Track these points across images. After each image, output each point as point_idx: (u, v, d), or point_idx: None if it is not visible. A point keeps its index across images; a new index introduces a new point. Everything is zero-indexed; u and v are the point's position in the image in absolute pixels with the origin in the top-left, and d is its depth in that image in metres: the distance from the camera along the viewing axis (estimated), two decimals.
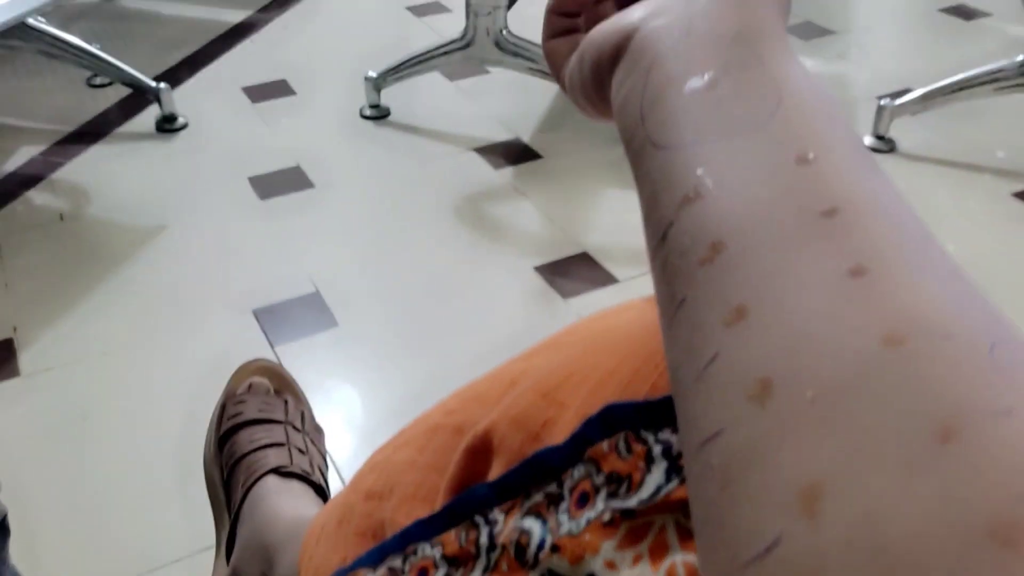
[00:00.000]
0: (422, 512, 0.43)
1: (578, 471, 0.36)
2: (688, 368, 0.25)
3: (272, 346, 1.26)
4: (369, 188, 1.59)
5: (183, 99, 1.81)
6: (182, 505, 1.00)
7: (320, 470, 0.78)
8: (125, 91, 1.82)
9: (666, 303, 0.27)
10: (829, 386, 0.21)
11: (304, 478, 0.75)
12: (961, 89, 1.64)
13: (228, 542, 0.74)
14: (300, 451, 0.77)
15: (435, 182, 1.60)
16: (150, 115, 1.76)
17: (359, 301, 1.33)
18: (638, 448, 0.33)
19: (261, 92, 1.87)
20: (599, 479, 0.34)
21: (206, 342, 1.25)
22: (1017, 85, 1.62)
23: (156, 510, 1.01)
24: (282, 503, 0.70)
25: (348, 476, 1.05)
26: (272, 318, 1.30)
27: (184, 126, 1.74)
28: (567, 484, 0.36)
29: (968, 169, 1.62)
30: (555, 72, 0.41)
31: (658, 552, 0.32)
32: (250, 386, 0.84)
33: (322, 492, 0.76)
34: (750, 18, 0.31)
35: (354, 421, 1.15)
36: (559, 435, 0.37)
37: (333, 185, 1.59)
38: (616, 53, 0.34)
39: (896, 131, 1.69)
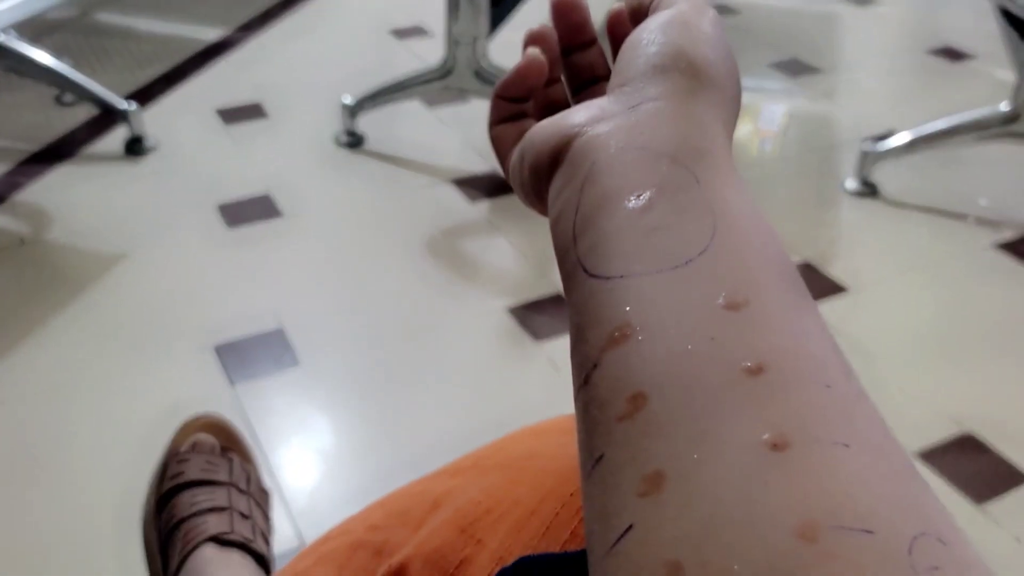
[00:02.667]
0: None
1: None
2: (600, 538, 0.24)
3: (232, 384, 1.21)
4: (340, 219, 1.55)
5: (154, 119, 1.77)
6: (120, 557, 0.95)
7: (263, 535, 0.74)
8: (94, 110, 1.78)
9: (584, 456, 0.26)
10: None
11: (244, 546, 0.71)
12: (944, 136, 1.62)
13: None
14: (242, 516, 0.73)
15: (409, 214, 1.56)
16: (119, 136, 1.72)
17: (323, 339, 1.29)
18: None
19: (234, 115, 1.83)
20: None
21: (163, 380, 1.21)
22: (1000, 134, 1.60)
23: (92, 564, 0.96)
24: None
25: (303, 527, 1.01)
26: (233, 355, 1.26)
27: (153, 148, 1.70)
28: None
29: (950, 217, 1.60)
30: (500, 161, 0.38)
31: None
32: (194, 444, 0.80)
33: (263, 561, 0.72)
34: (692, 133, 0.30)
35: (312, 467, 1.10)
36: None
37: (303, 215, 1.55)
38: (554, 159, 0.32)
39: (879, 175, 1.67)
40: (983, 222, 1.59)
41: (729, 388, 0.23)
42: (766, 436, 0.22)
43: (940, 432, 1.17)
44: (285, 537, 0.99)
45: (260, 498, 0.79)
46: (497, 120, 0.39)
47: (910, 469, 0.23)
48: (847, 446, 0.22)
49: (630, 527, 0.22)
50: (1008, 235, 1.55)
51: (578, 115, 0.32)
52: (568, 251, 0.29)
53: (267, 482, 1.04)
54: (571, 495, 0.35)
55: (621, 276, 0.27)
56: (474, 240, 1.52)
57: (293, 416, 1.17)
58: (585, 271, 0.28)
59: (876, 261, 1.50)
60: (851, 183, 1.67)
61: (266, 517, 0.78)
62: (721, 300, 0.25)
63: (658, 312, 0.25)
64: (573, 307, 0.28)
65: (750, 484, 0.21)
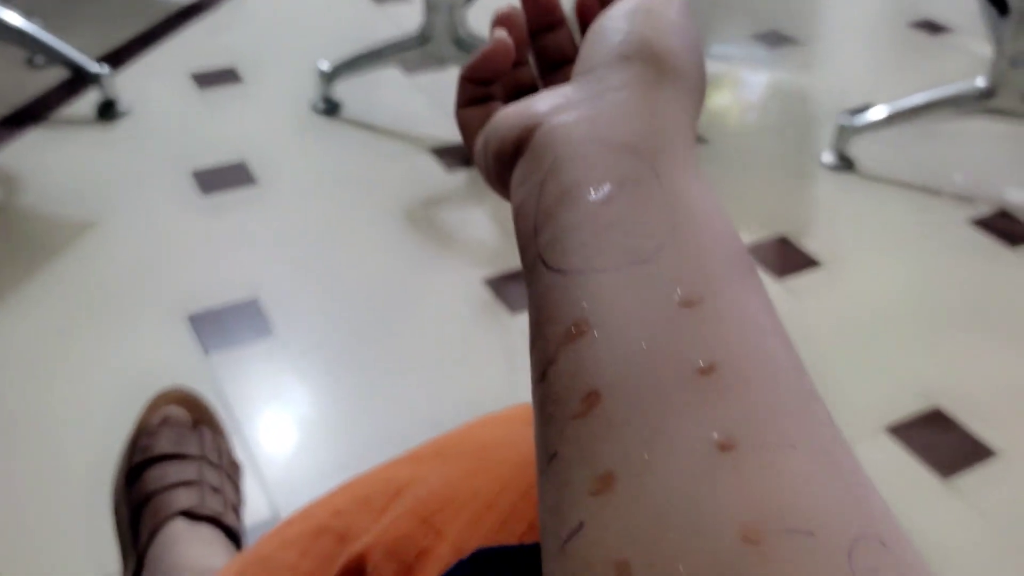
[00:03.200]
0: None
1: None
2: (553, 535, 0.24)
3: (206, 354, 1.21)
4: (316, 187, 1.54)
5: (127, 82, 1.75)
6: (91, 531, 0.95)
7: (234, 509, 0.74)
8: (66, 73, 1.75)
9: (540, 452, 0.26)
10: None
11: (215, 521, 0.71)
12: (922, 111, 1.63)
13: None
14: (213, 490, 0.73)
15: (386, 183, 1.55)
16: (91, 100, 1.69)
17: (298, 309, 1.29)
18: None
19: (209, 79, 1.81)
20: None
21: (136, 349, 1.20)
22: (976, 110, 1.61)
23: (62, 536, 0.96)
24: (188, 553, 0.67)
25: (277, 498, 1.01)
26: (207, 324, 1.25)
27: (126, 112, 1.68)
28: None
29: (926, 192, 1.61)
30: (467, 145, 0.38)
31: None
32: (165, 418, 0.79)
33: (234, 534, 0.72)
34: (654, 125, 0.30)
35: (286, 438, 1.10)
36: (432, 570, 0.35)
37: (279, 183, 1.54)
38: (517, 147, 0.32)
39: (856, 149, 1.67)
40: (958, 198, 1.60)
41: (681, 388, 0.24)
42: (715, 437, 0.22)
43: (909, 407, 1.18)
44: (259, 509, 0.99)
45: (232, 471, 0.79)
46: (464, 102, 0.38)
47: (856, 471, 0.24)
48: (793, 447, 0.23)
49: (581, 525, 0.23)
50: (983, 211, 1.56)
51: (541, 103, 0.32)
52: (529, 243, 0.30)
53: (240, 454, 1.04)
54: (529, 487, 0.35)
55: (579, 271, 0.27)
56: (451, 210, 1.52)
57: (268, 386, 1.17)
58: (545, 264, 0.28)
59: (851, 236, 1.51)
60: (828, 157, 1.67)
61: (238, 490, 0.78)
62: (677, 298, 0.25)
63: (614, 309, 0.26)
64: (532, 301, 0.29)
65: (698, 485, 0.22)
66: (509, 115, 0.33)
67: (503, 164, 0.33)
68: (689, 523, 0.21)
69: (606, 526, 0.22)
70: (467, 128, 0.38)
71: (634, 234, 0.27)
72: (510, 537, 0.33)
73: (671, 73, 0.31)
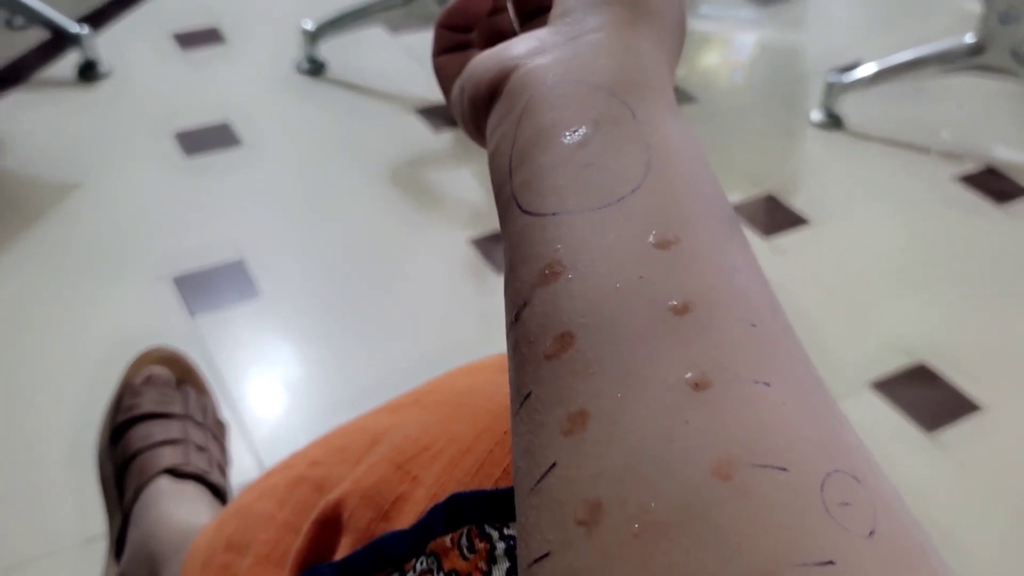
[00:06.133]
0: None
1: (421, 563, 0.34)
2: (525, 475, 0.24)
3: (192, 315, 1.20)
4: (301, 148, 1.53)
5: (108, 43, 1.72)
6: (75, 491, 0.95)
7: (220, 468, 0.74)
8: (45, 34, 1.73)
9: (514, 393, 0.26)
10: (654, 520, 0.21)
11: (200, 478, 0.71)
12: (910, 68, 1.62)
13: (118, 543, 0.70)
14: (199, 448, 0.73)
15: (372, 144, 1.54)
16: (71, 61, 1.67)
17: (285, 270, 1.28)
18: (481, 545, 0.31)
19: (191, 39, 1.79)
20: None
21: (121, 311, 1.20)
22: (965, 66, 1.60)
23: (46, 496, 0.96)
24: (173, 509, 0.67)
25: (265, 457, 1.01)
26: (193, 286, 1.24)
27: (107, 74, 1.65)
28: (410, 575, 0.33)
29: (913, 149, 1.60)
30: (444, 93, 0.37)
31: None
32: (149, 377, 0.79)
33: (220, 492, 0.72)
34: (631, 65, 0.29)
35: (274, 398, 1.10)
36: (409, 515, 0.35)
37: (263, 144, 1.52)
38: (493, 91, 0.32)
39: (844, 106, 1.67)
40: (945, 155, 1.59)
41: (655, 327, 0.23)
42: (688, 375, 0.22)
43: (894, 362, 1.19)
44: (247, 468, 1.00)
45: (217, 430, 0.79)
46: (440, 50, 0.38)
47: (830, 407, 0.23)
48: (767, 384, 0.23)
49: (553, 465, 0.23)
50: (969, 168, 1.56)
51: (517, 47, 0.32)
52: (504, 186, 0.29)
53: (228, 414, 1.04)
54: (505, 433, 0.35)
55: (554, 213, 0.27)
56: (437, 170, 1.51)
57: (254, 347, 1.17)
58: (519, 207, 0.28)
59: (838, 193, 1.51)
60: (816, 114, 1.67)
61: (223, 449, 0.78)
62: (651, 238, 0.25)
63: (588, 251, 0.25)
64: (507, 243, 0.28)
65: (670, 423, 0.22)
66: (484, 60, 0.32)
67: (478, 109, 0.32)
68: (661, 461, 0.21)
69: (578, 465, 0.22)
70: (444, 76, 0.38)
71: (609, 175, 0.27)
72: (486, 481, 0.33)
73: (648, 13, 0.31)
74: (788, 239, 1.40)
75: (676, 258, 0.25)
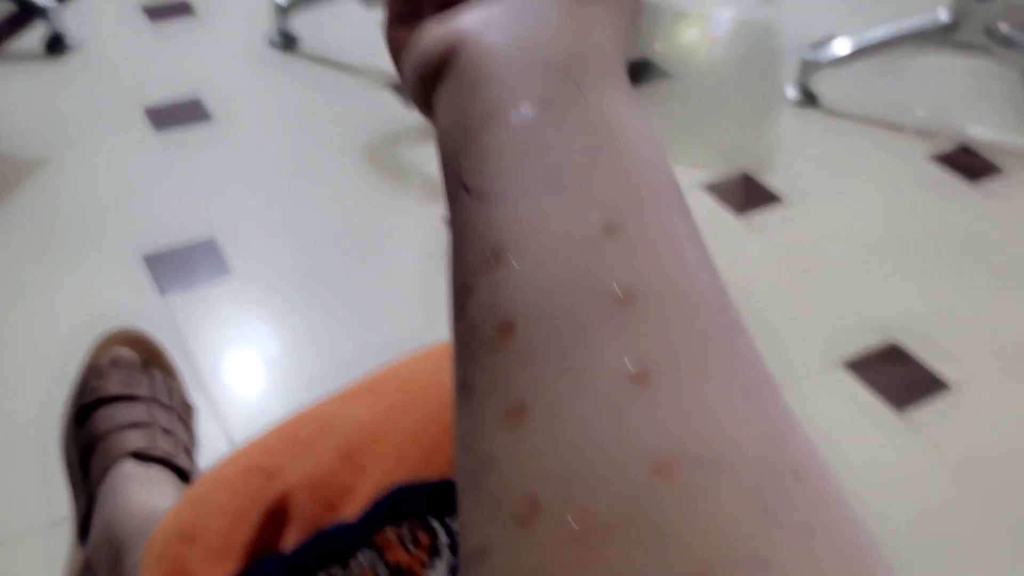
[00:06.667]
0: (223, 570, 0.40)
1: (364, 556, 0.33)
2: (465, 470, 0.23)
3: (162, 295, 1.19)
4: (273, 124, 1.51)
5: (76, 15, 1.69)
6: (41, 472, 0.94)
7: (187, 451, 0.73)
8: (11, 6, 1.69)
9: (456, 384, 0.25)
10: (593, 521, 0.20)
11: (166, 462, 0.70)
12: (885, 46, 1.62)
13: (83, 526, 0.70)
14: (164, 431, 0.72)
15: (345, 120, 1.52)
16: (38, 34, 1.63)
17: (257, 248, 1.27)
18: (424, 539, 0.31)
19: (160, 12, 1.76)
20: (383, 570, 0.31)
21: (90, 291, 1.18)
22: (939, 44, 1.60)
23: (11, 478, 0.95)
24: (138, 493, 0.66)
25: (237, 438, 1.01)
26: (163, 265, 1.23)
27: (75, 47, 1.62)
28: (354, 568, 0.33)
29: (888, 128, 1.61)
30: (396, 67, 0.36)
31: None
32: (113, 359, 0.78)
33: (187, 476, 0.71)
34: (582, 41, 0.28)
35: (246, 378, 1.09)
36: (356, 506, 0.34)
37: (235, 119, 1.50)
38: (440, 67, 0.30)
39: (820, 84, 1.66)
40: (920, 133, 1.60)
41: (598, 317, 0.23)
42: (630, 368, 0.22)
43: (866, 341, 1.19)
44: (219, 449, 0.99)
45: (184, 413, 0.79)
46: (392, 19, 0.36)
47: (776, 404, 0.23)
48: (710, 379, 0.22)
49: (491, 459, 0.22)
50: (943, 147, 1.56)
51: (465, 18, 0.30)
52: (451, 168, 0.28)
53: (199, 395, 1.03)
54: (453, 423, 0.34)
55: (500, 197, 0.26)
56: (411, 146, 1.49)
57: (226, 327, 1.16)
58: (465, 190, 0.27)
59: (812, 171, 1.51)
60: (791, 92, 1.66)
61: (190, 432, 0.77)
62: (599, 224, 0.24)
63: (533, 237, 0.25)
64: (453, 228, 0.28)
65: (610, 418, 0.21)
66: (431, 32, 0.31)
67: (427, 84, 0.31)
68: (600, 456, 0.21)
69: (516, 460, 0.22)
70: (394, 48, 0.36)
71: (557, 158, 0.26)
72: (433, 473, 0.33)
73: None
74: (762, 217, 1.40)
75: (623, 245, 0.24)
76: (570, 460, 0.21)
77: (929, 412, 1.11)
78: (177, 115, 1.50)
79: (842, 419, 1.10)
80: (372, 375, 0.45)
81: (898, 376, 1.15)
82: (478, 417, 0.23)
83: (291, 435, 0.44)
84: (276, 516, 0.40)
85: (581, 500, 0.20)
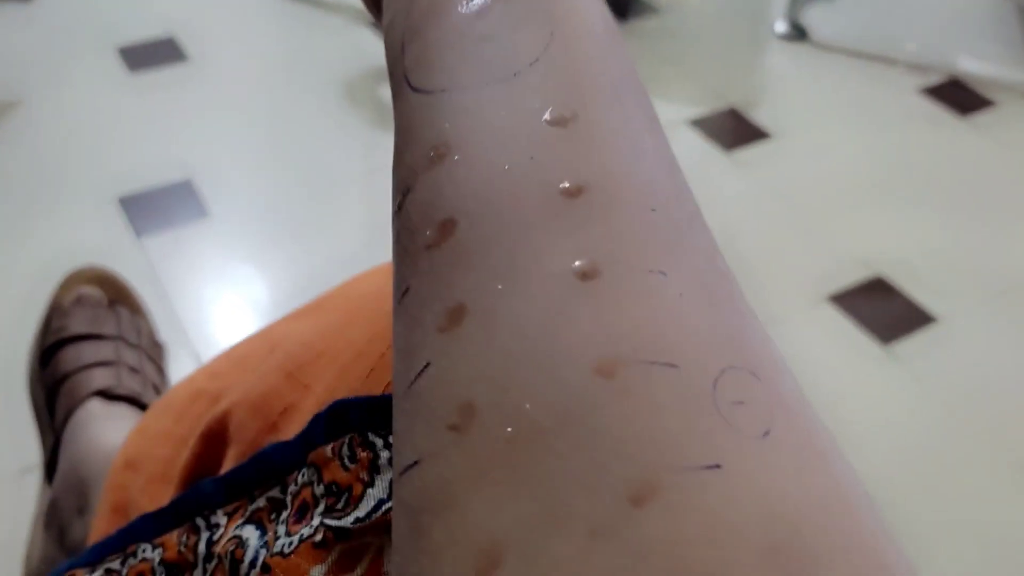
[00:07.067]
0: (165, 496, 0.39)
1: (303, 476, 0.31)
2: (401, 377, 0.22)
3: (138, 237, 1.17)
4: (251, 63, 1.47)
5: None
6: (10, 420, 0.93)
7: (156, 389, 0.72)
8: None
9: (395, 289, 0.24)
10: (529, 425, 0.18)
11: (134, 400, 0.69)
12: None
13: (50, 467, 0.69)
14: (132, 370, 0.71)
15: (325, 58, 1.49)
16: None
17: (234, 190, 1.25)
18: (363, 455, 0.29)
19: None
20: (319, 489, 0.30)
21: (65, 234, 1.16)
22: None
23: None
24: (103, 432, 0.65)
25: None
26: (139, 207, 1.21)
27: None
28: (291, 489, 0.32)
29: (879, 61, 1.58)
30: None
31: None
32: (79, 298, 0.77)
33: None
34: None
35: (223, 320, 1.08)
36: (298, 426, 0.33)
37: (211, 59, 1.47)
38: None
39: (809, 18, 1.63)
40: (911, 67, 1.57)
41: (544, 212, 0.21)
42: (576, 264, 0.20)
43: (851, 275, 1.18)
44: None
45: (153, 351, 0.77)
46: None
47: (733, 300, 0.21)
48: (663, 274, 0.20)
49: (427, 365, 0.21)
50: (934, 80, 1.54)
51: None
52: (396, 64, 0.27)
53: (176, 336, 1.02)
54: None
55: (443, 90, 0.24)
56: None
57: (203, 269, 1.14)
58: (409, 85, 0.25)
59: (801, 107, 1.48)
60: (780, 26, 1.63)
61: (160, 371, 0.76)
62: (547, 115, 0.23)
63: (477, 130, 0.23)
64: (396, 126, 0.26)
65: (553, 317, 0.20)
66: None
67: None
68: (540, 358, 0.19)
69: (453, 365, 0.20)
70: None
71: (506, 48, 0.24)
72: (376, 387, 0.31)
73: None
74: (750, 153, 1.37)
75: (572, 137, 0.22)
76: (508, 362, 0.19)
77: (914, 346, 1.10)
78: (151, 55, 1.46)
79: (827, 353, 1.09)
80: (322, 294, 0.43)
81: (883, 310, 1.14)
82: (414, 321, 0.22)
83: (238, 357, 0.43)
84: (214, 438, 0.38)
85: (518, 404, 0.19)
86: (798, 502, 0.17)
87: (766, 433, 0.18)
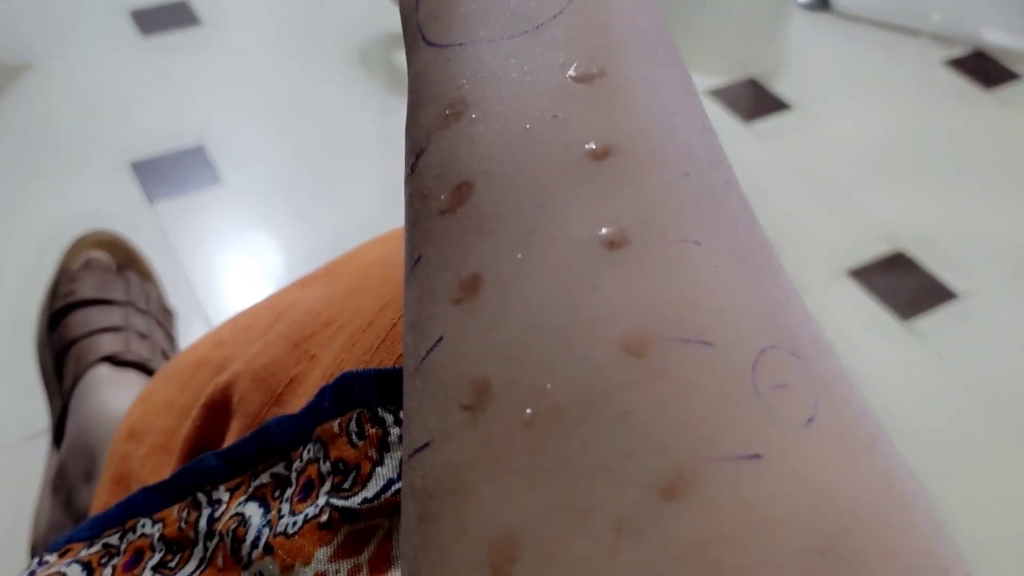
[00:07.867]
0: (166, 467, 0.37)
1: (308, 451, 0.30)
2: (412, 352, 0.21)
3: (151, 202, 1.16)
4: (264, 27, 1.46)
5: None
6: (18, 384, 0.92)
7: (165, 355, 0.71)
8: None
9: (407, 256, 0.22)
10: (549, 406, 0.17)
11: (142, 366, 0.68)
12: None
13: (57, 432, 0.68)
14: (140, 336, 0.70)
15: (340, 22, 1.47)
16: None
17: (247, 156, 1.23)
18: (372, 431, 0.28)
19: None
20: (325, 466, 0.29)
21: (78, 199, 1.15)
22: None
23: None
24: (111, 398, 0.64)
25: None
26: (151, 172, 1.20)
27: None
28: (296, 466, 0.30)
29: (902, 32, 1.54)
30: None
31: (380, 565, 0.26)
32: (87, 262, 0.76)
33: None
34: None
35: (235, 286, 1.07)
36: (304, 398, 0.31)
37: (224, 22, 1.45)
38: None
39: None
40: (935, 38, 1.53)
41: (567, 175, 0.19)
42: (603, 232, 0.19)
43: (872, 250, 1.16)
44: None
45: (162, 317, 0.76)
46: None
47: (773, 273, 0.20)
48: (698, 244, 0.19)
49: (440, 339, 0.19)
50: (958, 52, 1.51)
51: None
52: (410, 17, 0.25)
53: (188, 302, 1.01)
54: None
55: (460, 44, 0.23)
56: None
57: (216, 235, 1.13)
58: (424, 39, 0.24)
59: (822, 78, 1.45)
60: None
61: (170, 336, 0.75)
62: (572, 71, 0.21)
63: (496, 86, 0.21)
64: (409, 82, 0.24)
65: (577, 289, 0.18)
66: None
67: None
68: (562, 333, 0.18)
69: (467, 340, 0.19)
70: None
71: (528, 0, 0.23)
72: (387, 359, 0.30)
73: None
74: (769, 124, 1.35)
75: (599, 94, 0.21)
76: (528, 337, 0.18)
77: (935, 321, 1.08)
78: (164, 18, 1.45)
79: (846, 329, 1.07)
80: (330, 261, 0.42)
81: (905, 285, 1.12)
82: (427, 292, 0.20)
83: (244, 326, 0.41)
84: (217, 409, 0.37)
85: (537, 383, 0.17)
86: (846, 498, 0.16)
87: (810, 420, 0.17)
